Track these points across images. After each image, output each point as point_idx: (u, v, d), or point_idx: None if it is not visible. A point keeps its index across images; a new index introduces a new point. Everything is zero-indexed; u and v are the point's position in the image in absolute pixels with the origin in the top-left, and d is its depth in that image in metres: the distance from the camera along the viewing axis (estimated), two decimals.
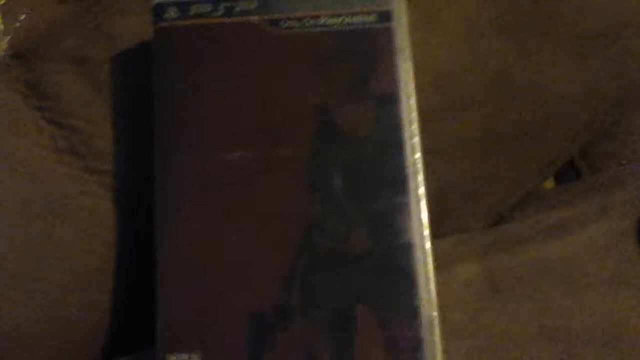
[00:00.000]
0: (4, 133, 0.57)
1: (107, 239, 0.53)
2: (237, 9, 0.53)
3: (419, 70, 0.54)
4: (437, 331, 0.47)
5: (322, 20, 0.52)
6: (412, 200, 0.49)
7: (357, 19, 0.52)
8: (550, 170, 0.60)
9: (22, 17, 0.64)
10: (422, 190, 0.49)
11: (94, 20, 0.59)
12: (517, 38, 0.56)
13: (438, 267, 0.51)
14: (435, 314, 0.47)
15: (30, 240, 0.53)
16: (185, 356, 0.47)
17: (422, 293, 0.47)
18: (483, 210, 0.57)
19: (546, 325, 0.49)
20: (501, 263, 0.51)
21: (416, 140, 0.50)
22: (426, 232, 0.49)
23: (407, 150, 0.50)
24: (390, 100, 0.51)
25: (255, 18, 0.52)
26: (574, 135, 0.59)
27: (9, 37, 0.63)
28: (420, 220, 0.49)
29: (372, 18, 0.52)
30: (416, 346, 0.46)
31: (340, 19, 0.52)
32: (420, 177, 0.50)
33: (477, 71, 0.56)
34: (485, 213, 0.58)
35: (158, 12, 0.53)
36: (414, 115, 0.51)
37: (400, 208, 0.49)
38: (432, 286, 0.48)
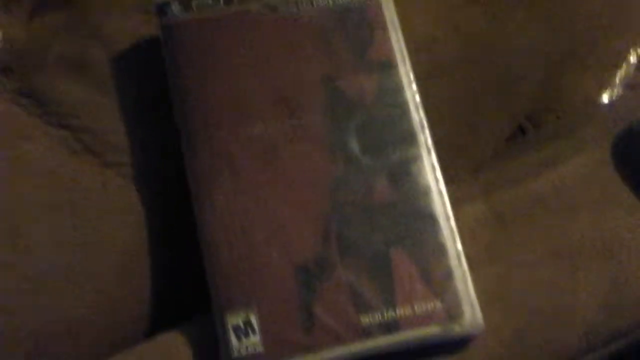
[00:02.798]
0: (11, 143, 0.59)
1: (137, 224, 0.57)
2: None
3: None
4: (464, 260, 0.53)
5: (315, 2, 0.57)
6: (423, 151, 0.55)
7: None
8: (519, 119, 0.67)
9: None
10: (430, 141, 0.55)
11: (84, 26, 0.62)
12: (485, 5, 0.63)
13: None
14: (459, 246, 0.53)
15: (64, 235, 0.56)
16: (242, 313, 0.50)
17: (445, 229, 0.53)
18: (469, 161, 0.63)
19: (550, 248, 0.55)
20: (503, 199, 0.57)
21: (418, 98, 0.56)
22: (440, 176, 0.54)
23: (412, 108, 0.56)
24: (389, 66, 0.57)
25: (254, 6, 0.57)
26: (536, 86, 0.67)
27: None
28: (433, 167, 0.54)
29: None
30: (448, 275, 0.52)
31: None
32: (427, 131, 0.55)
33: (453, 36, 0.63)
34: (471, 164, 0.63)
35: (161, 10, 0.57)
36: (411, 76, 0.57)
37: (414, 159, 0.54)
38: (452, 222, 0.53)
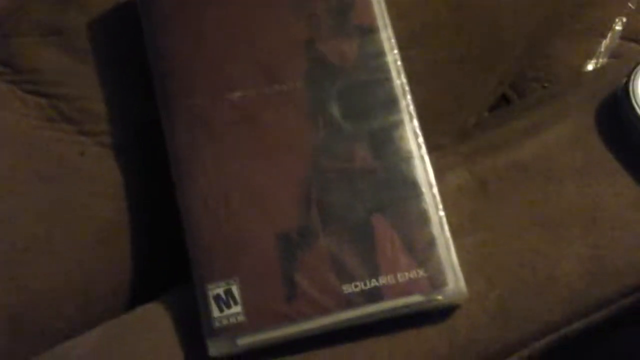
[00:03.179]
0: None
1: (116, 193, 0.56)
2: None
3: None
4: (446, 228, 0.52)
5: None
6: (405, 117, 0.54)
7: None
8: (503, 87, 0.66)
9: None
10: (412, 107, 0.54)
11: None
12: None
13: None
14: (442, 213, 0.52)
15: (42, 205, 0.55)
16: (223, 283, 0.50)
17: (428, 197, 0.52)
18: (452, 127, 0.63)
19: (534, 215, 0.55)
20: (486, 167, 0.56)
21: (400, 63, 0.55)
22: (422, 142, 0.53)
23: (394, 73, 0.55)
24: (370, 30, 0.56)
25: None
26: (521, 53, 0.66)
27: None
28: (415, 133, 0.54)
29: None
30: (431, 243, 0.51)
31: None
32: (409, 96, 0.54)
33: (436, 1, 0.61)
34: (454, 131, 0.63)
35: None
36: (393, 41, 0.56)
37: (396, 124, 0.54)
38: (435, 190, 0.53)
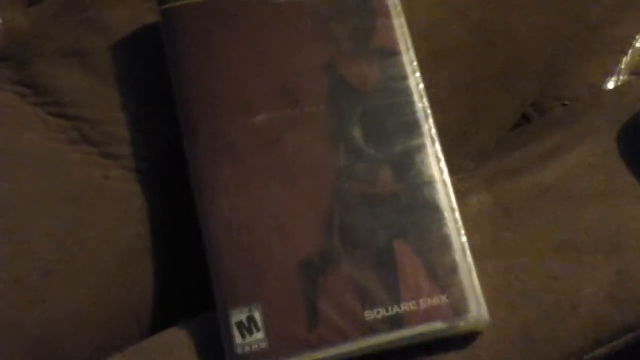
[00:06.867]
0: (11, 132, 0.58)
1: (139, 217, 0.56)
2: None
3: None
4: (469, 254, 0.52)
5: None
6: (428, 141, 0.54)
7: None
8: (524, 107, 0.66)
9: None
10: (434, 131, 0.54)
11: (83, 14, 0.61)
12: None
13: None
14: (464, 239, 0.52)
15: (64, 228, 0.55)
16: (246, 309, 0.50)
17: (450, 222, 0.52)
18: (473, 150, 0.63)
19: (556, 240, 0.54)
20: (508, 190, 0.56)
21: (422, 87, 0.55)
22: (444, 167, 0.53)
23: (416, 96, 0.55)
24: (392, 53, 0.55)
25: None
26: (541, 72, 0.66)
27: None
28: (437, 157, 0.53)
29: None
30: (454, 269, 0.51)
31: None
32: (431, 120, 0.54)
33: (458, 22, 0.61)
34: (475, 153, 0.63)
35: None
36: (415, 64, 0.56)
37: (418, 149, 0.53)
38: (457, 215, 0.53)
